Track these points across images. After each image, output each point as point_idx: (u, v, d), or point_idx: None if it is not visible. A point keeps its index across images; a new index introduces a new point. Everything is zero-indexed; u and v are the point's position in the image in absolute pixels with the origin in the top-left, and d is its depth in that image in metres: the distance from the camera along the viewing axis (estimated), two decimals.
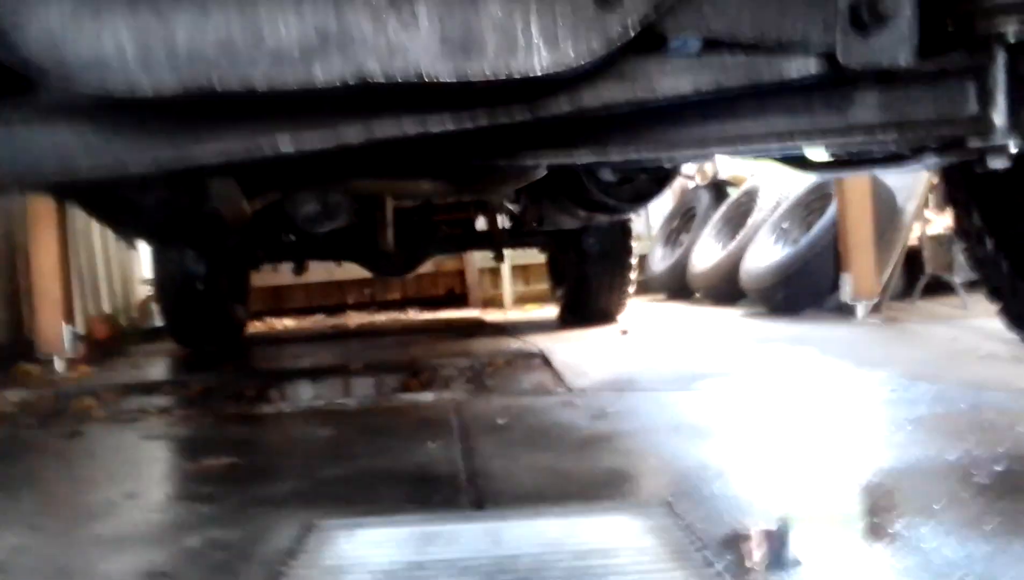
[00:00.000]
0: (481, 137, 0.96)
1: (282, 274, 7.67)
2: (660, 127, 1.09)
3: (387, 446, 2.60)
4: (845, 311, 5.12)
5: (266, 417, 3.27)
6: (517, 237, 5.52)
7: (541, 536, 1.67)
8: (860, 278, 4.90)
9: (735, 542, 1.54)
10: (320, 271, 7.52)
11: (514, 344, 4.94)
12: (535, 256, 6.92)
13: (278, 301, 8.57)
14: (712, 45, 0.99)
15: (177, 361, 5.45)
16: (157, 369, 5.09)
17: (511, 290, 8.43)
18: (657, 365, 3.90)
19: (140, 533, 1.85)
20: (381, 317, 8.10)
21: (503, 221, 5.93)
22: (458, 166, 1.68)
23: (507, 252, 5.80)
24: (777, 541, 1.48)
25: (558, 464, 2.23)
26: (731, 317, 5.89)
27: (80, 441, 2.96)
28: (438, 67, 0.84)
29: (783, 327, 5.03)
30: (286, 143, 0.90)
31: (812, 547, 1.51)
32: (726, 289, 6.38)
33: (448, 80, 0.85)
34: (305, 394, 3.77)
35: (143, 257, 7.41)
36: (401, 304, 8.69)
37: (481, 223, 6.02)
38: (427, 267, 5.55)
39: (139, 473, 2.49)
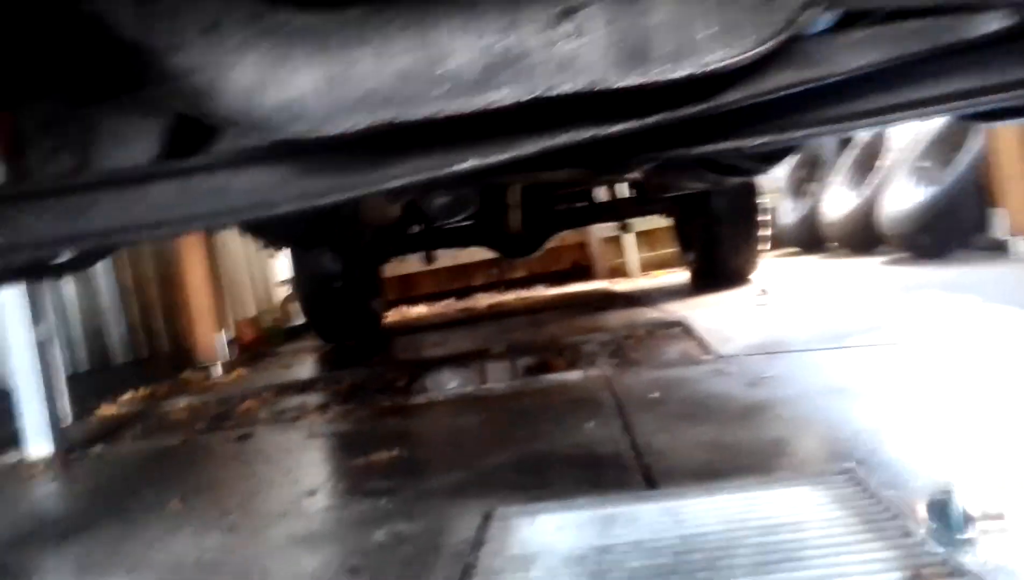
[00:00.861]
0: (650, 133, 0.96)
1: (409, 263, 7.87)
2: (834, 102, 1.05)
3: (544, 429, 2.63)
4: (996, 249, 4.85)
5: (419, 407, 3.36)
6: (642, 205, 5.46)
7: (722, 512, 1.66)
8: (1016, 212, 4.61)
9: (929, 508, 1.49)
10: (446, 256, 7.66)
11: (650, 314, 4.91)
12: (658, 221, 6.83)
13: (408, 289, 8.78)
14: (891, 15, 0.95)
15: (322, 357, 5.67)
16: (305, 367, 5.31)
17: (636, 258, 8.35)
18: (803, 324, 3.80)
19: (328, 530, 1.94)
20: (509, 296, 8.18)
21: (618, 191, 5.89)
22: (618, 160, 1.68)
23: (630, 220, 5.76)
24: (966, 505, 1.43)
25: (722, 436, 2.21)
26: (872, 266, 5.67)
27: (251, 443, 3.13)
28: (611, 76, 0.84)
29: (932, 272, 4.81)
30: (468, 162, 0.93)
31: (1008, 509, 1.45)
32: (862, 237, 6.13)
33: (621, 87, 0.85)
34: (452, 381, 3.85)
35: (279, 261, 7.73)
36: (527, 281, 8.76)
37: (591, 193, 5.99)
38: (550, 242, 5.55)
39: (312, 471, 2.61)
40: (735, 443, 2.14)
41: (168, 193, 1.00)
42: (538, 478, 2.10)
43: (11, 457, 3.48)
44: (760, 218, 5.17)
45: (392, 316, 7.79)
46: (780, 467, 1.92)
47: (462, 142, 0.94)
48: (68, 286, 4.62)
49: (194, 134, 1.13)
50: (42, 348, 3.46)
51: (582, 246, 8.78)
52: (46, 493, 2.90)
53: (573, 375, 3.42)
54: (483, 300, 8.21)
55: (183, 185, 1.00)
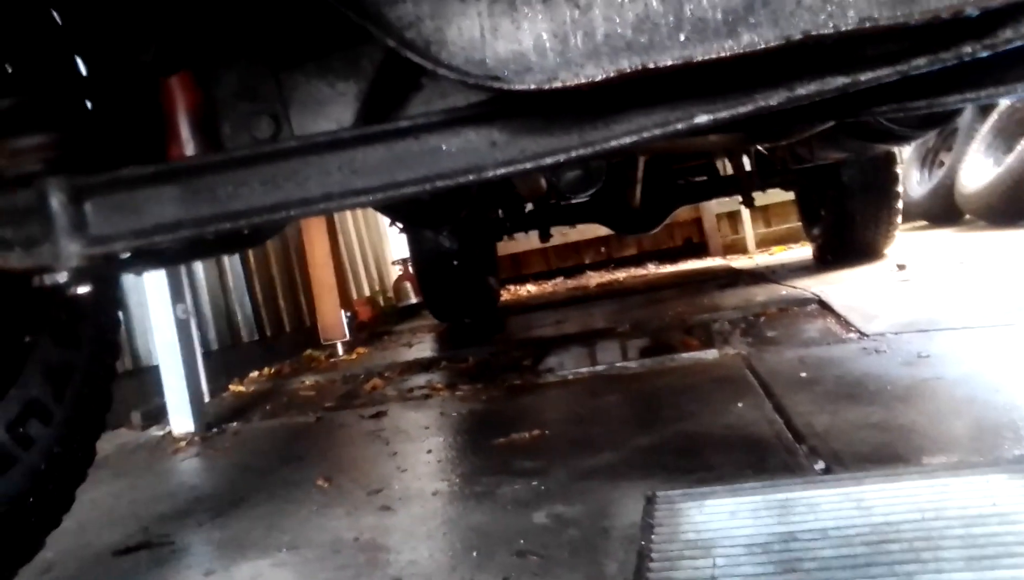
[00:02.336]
0: (881, 85, 0.86)
1: (519, 242, 7.83)
2: None
3: (689, 409, 2.54)
4: None
5: (551, 386, 3.31)
6: (766, 178, 5.25)
7: (912, 500, 1.55)
8: None
9: None
10: (556, 234, 7.59)
11: (779, 290, 4.73)
12: (776, 195, 6.57)
13: (518, 268, 8.76)
14: None
15: (440, 336, 5.69)
16: (425, 346, 5.33)
17: (753, 233, 8.10)
18: (954, 300, 3.57)
19: (483, 511, 1.90)
20: (620, 274, 8.06)
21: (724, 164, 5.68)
22: (801, 121, 1.57)
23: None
24: None
25: (890, 418, 2.07)
26: (1020, 238, 5.32)
27: (386, 420, 3.13)
28: (879, 12, 0.75)
29: None
30: (701, 116, 0.85)
31: None
32: (1004, 209, 5.77)
33: (888, 25, 0.75)
34: (582, 360, 3.78)
35: (392, 240, 7.81)
36: (638, 259, 8.62)
37: (710, 167, 5.80)
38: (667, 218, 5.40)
39: (454, 450, 2.58)
40: (906, 425, 2.01)
41: (373, 158, 0.95)
42: (695, 460, 2.02)
43: (157, 432, 3.59)
44: (898, 189, 4.91)
45: (503, 295, 7.78)
46: (960, 451, 1.78)
47: (694, 94, 0.86)
48: (198, 266, 4.74)
49: (389, 99, 1.09)
50: (182, 327, 3.55)
51: (695, 222, 8.57)
52: (193, 468, 2.97)
53: (708, 354, 3.31)
54: (594, 279, 8.12)
55: (389, 149, 0.95)
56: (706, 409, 2.49)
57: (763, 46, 0.75)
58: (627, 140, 0.88)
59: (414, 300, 7.46)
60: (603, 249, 8.80)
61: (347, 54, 1.07)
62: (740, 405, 2.44)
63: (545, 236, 5.72)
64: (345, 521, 1.98)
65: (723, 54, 0.76)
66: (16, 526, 1.28)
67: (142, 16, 1.07)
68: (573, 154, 0.89)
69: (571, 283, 8.16)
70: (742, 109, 0.85)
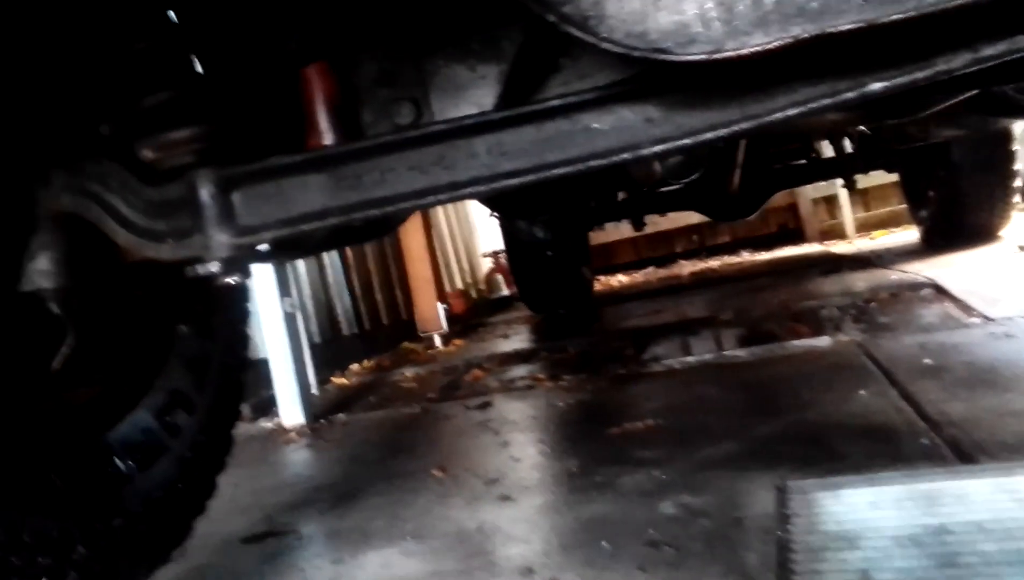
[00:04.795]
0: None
1: (609, 231, 7.76)
2: None
3: (807, 398, 2.46)
4: None
5: (658, 375, 3.26)
6: (870, 160, 5.05)
7: None
8: None
9: None
10: (646, 223, 7.48)
11: (888, 275, 4.56)
12: (876, 178, 6.31)
13: (608, 258, 8.68)
14: None
15: (536, 327, 5.68)
16: (521, 337, 5.32)
17: (852, 218, 7.83)
18: None
19: (607, 502, 1.87)
20: (713, 262, 7.91)
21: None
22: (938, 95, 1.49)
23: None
24: None
25: None
26: None
27: (492, 411, 3.14)
28: None
29: None
30: (874, 84, 0.80)
31: None
32: None
33: None
34: (686, 349, 3.72)
35: (482, 232, 7.83)
36: (731, 247, 8.44)
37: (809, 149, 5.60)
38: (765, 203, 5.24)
39: (566, 440, 2.56)
40: None
41: (522, 140, 0.93)
42: (822, 450, 1.95)
43: (267, 423, 3.68)
44: (1015, 167, 4.66)
45: (596, 285, 7.72)
46: None
47: (860, 63, 0.81)
48: (299, 261, 4.83)
49: (529, 80, 1.07)
50: (289, 320, 3.63)
51: (789, 208, 8.34)
52: (306, 458, 3.03)
53: (820, 342, 3.20)
54: (686, 267, 7.99)
55: (539, 130, 0.93)
56: (826, 397, 2.41)
57: (959, 2, 0.70)
58: (793, 112, 0.83)
59: (506, 292, 7.48)
60: (695, 237, 8.65)
61: (487, 36, 1.06)
62: (863, 393, 2.35)
63: (639, 225, 5.64)
64: (466, 511, 1.98)
65: (911, 14, 0.71)
66: (169, 512, 1.32)
67: (287, 6, 1.07)
68: (735, 129, 0.85)
69: (663, 273, 8.05)
70: (920, 75, 0.80)
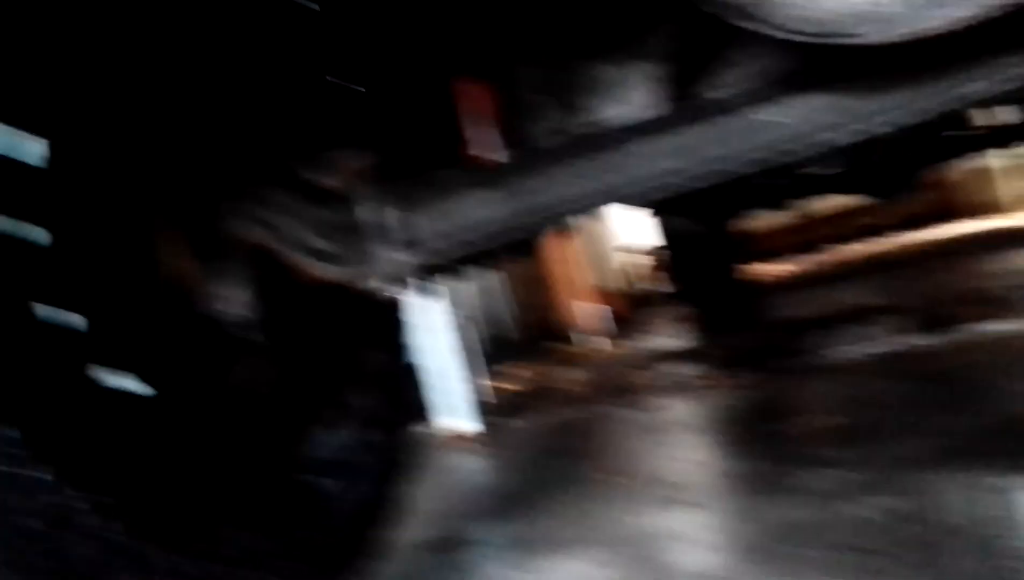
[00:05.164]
0: None
1: (764, 219, 7.47)
2: None
3: (1008, 387, 2.27)
4: None
5: (833, 368, 3.10)
6: None
7: None
8: None
9: None
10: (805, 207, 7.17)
11: None
12: None
13: (765, 246, 8.37)
14: None
15: (696, 323, 5.55)
16: (682, 334, 5.22)
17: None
18: None
19: (802, 504, 1.78)
20: (879, 244, 7.49)
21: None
22: None
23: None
24: None
25: None
26: None
27: (662, 412, 3.07)
28: None
29: None
30: None
31: None
32: None
33: None
34: (862, 338, 3.52)
35: (633, 228, 7.74)
36: (897, 226, 7.95)
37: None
38: (924, 177, 4.88)
39: (746, 440, 2.47)
40: None
41: (695, 138, 0.89)
42: None
43: (438, 430, 3.75)
44: None
45: (755, 276, 7.48)
46: None
47: None
48: None
49: (689, 75, 1.02)
50: (454, 328, 3.69)
51: (947, 182, 7.77)
52: (479, 465, 3.07)
53: (1012, 324, 2.95)
54: (849, 251, 7.60)
55: (709, 127, 0.88)
56: None
57: None
58: (983, 92, 0.76)
59: (661, 288, 7.35)
60: (856, 219, 8.21)
61: (646, 35, 1.02)
62: None
63: (795, 211, 5.41)
64: (649, 517, 1.94)
65: None
66: (366, 524, 1.35)
67: (447, 25, 1.07)
68: (931, 110, 0.78)
69: (823, 258, 7.69)
70: None
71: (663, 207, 4.28)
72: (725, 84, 1.02)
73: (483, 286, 5.16)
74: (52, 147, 1.06)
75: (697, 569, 1.58)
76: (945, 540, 1.45)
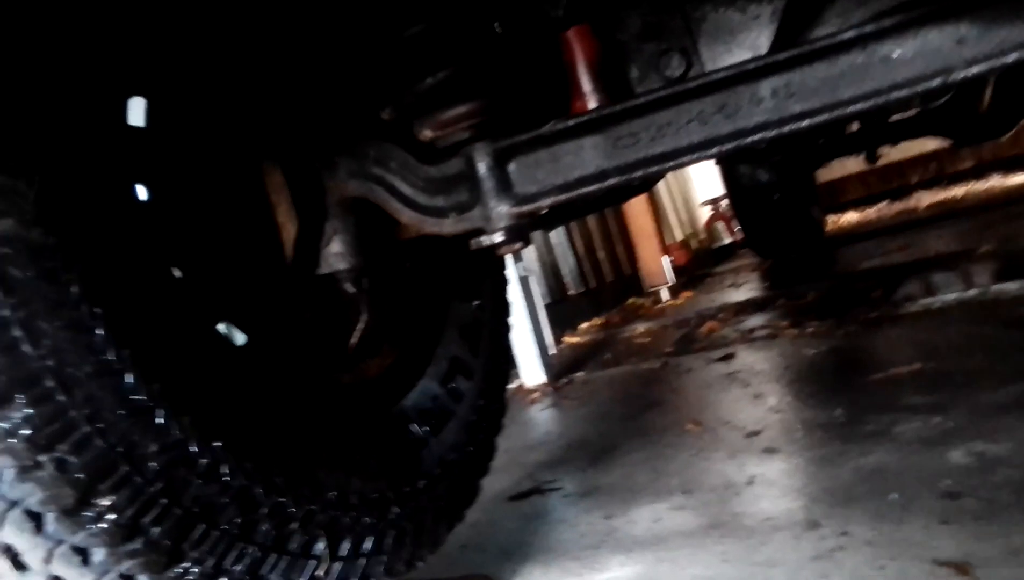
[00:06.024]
0: None
1: (834, 168, 7.30)
2: None
3: None
4: None
5: (914, 316, 3.05)
6: None
7: None
8: None
9: None
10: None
11: None
12: None
13: (835, 196, 8.21)
14: None
15: (766, 273, 5.49)
16: (752, 285, 5.17)
17: None
18: None
19: (890, 450, 1.77)
20: (957, 191, 7.28)
21: None
22: None
23: None
24: None
25: None
26: None
27: (736, 362, 3.06)
28: None
29: None
30: None
31: None
32: None
33: None
34: (942, 286, 3.45)
35: (698, 179, 7.64)
36: (977, 172, 7.70)
37: None
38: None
39: (828, 389, 2.44)
40: None
41: (812, 79, 0.88)
42: None
43: (511, 384, 3.80)
44: None
45: (827, 225, 7.35)
46: None
47: None
48: None
49: (803, 16, 1.01)
50: (524, 284, 3.71)
51: None
52: (554, 417, 3.10)
53: None
54: (925, 199, 7.40)
55: (830, 66, 0.87)
56: None
57: None
58: None
59: (727, 240, 7.27)
60: (932, 165, 7.98)
61: None
62: None
63: (872, 158, 5.27)
64: (731, 464, 1.95)
65: None
66: (461, 473, 1.39)
67: None
68: None
69: (898, 206, 7.51)
70: None
71: (733, 156, 4.23)
72: (841, 20, 1.01)
73: (547, 240, 5.17)
74: (153, 106, 1.10)
75: (791, 516, 1.58)
76: None
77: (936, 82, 0.81)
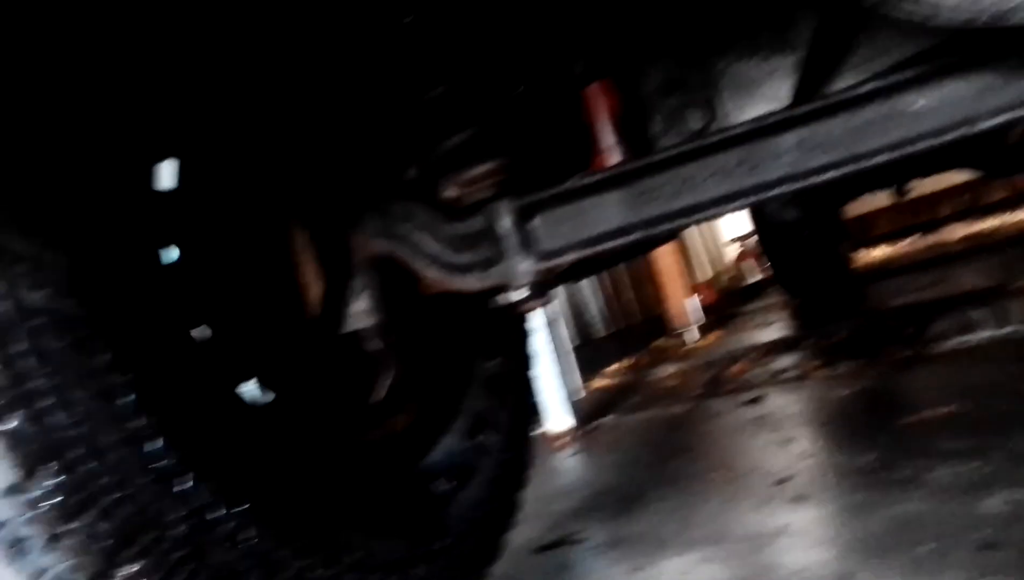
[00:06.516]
0: None
1: (864, 202, 7.25)
2: None
3: None
4: None
5: (947, 356, 3.00)
6: None
7: None
8: None
9: None
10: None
11: None
12: None
13: (866, 230, 8.14)
14: None
15: (796, 312, 5.44)
16: (781, 324, 5.13)
17: None
18: None
19: (923, 498, 1.73)
20: (991, 223, 7.19)
21: None
22: None
23: None
24: None
25: None
26: None
27: (765, 406, 3.02)
28: None
29: None
30: None
31: None
32: None
33: None
34: (976, 324, 3.39)
35: (725, 218, 7.63)
36: (1010, 203, 7.61)
37: None
38: None
39: (859, 434, 2.41)
40: None
41: (834, 131, 0.88)
42: None
43: (538, 429, 3.77)
44: None
45: (856, 261, 7.29)
46: None
47: None
48: None
49: (824, 66, 1.01)
50: (550, 327, 3.70)
51: None
52: (581, 463, 3.08)
53: None
54: (957, 231, 7.33)
55: (851, 118, 0.87)
56: None
57: None
58: None
59: (756, 277, 7.23)
60: (964, 197, 7.90)
61: (777, 27, 1.01)
62: None
63: (901, 192, 5.24)
64: (760, 514, 1.92)
65: None
66: (486, 529, 1.38)
67: (577, 32, 1.08)
68: None
69: (930, 240, 7.44)
70: None
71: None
72: (863, 70, 1.01)
73: (574, 283, 5.16)
74: (183, 167, 1.12)
75: (808, 565, 1.55)
76: None
77: (960, 132, 0.81)
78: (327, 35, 1.15)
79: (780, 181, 0.90)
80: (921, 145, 0.83)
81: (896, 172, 5.10)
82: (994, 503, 1.60)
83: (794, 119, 0.90)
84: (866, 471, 2.01)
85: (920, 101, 0.83)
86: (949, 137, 0.82)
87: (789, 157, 0.90)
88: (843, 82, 1.00)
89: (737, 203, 0.93)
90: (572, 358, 4.01)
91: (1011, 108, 0.79)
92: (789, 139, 0.90)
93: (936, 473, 1.84)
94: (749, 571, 1.63)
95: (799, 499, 1.94)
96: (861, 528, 1.68)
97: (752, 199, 0.92)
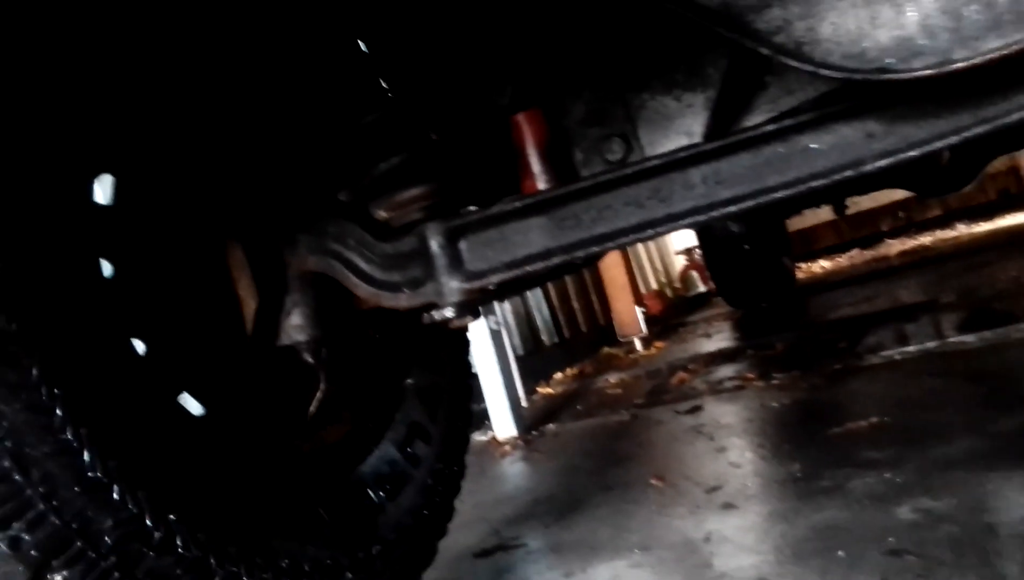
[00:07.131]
0: None
1: (807, 216, 7.44)
2: None
3: None
4: None
5: (877, 368, 3.11)
6: None
7: None
8: None
9: None
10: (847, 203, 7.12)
11: None
12: None
13: (808, 244, 8.35)
14: None
15: (738, 324, 5.56)
16: (723, 334, 5.23)
17: None
18: None
19: (841, 506, 1.81)
20: (925, 239, 7.43)
21: None
22: None
23: None
24: None
25: None
26: None
27: (703, 415, 3.11)
28: None
29: None
30: None
31: None
32: None
33: None
34: (906, 338, 3.52)
35: None
36: (944, 220, 7.88)
37: None
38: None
39: (789, 443, 2.50)
40: None
41: (739, 166, 0.94)
42: None
43: (481, 436, 3.82)
44: None
45: (797, 274, 7.46)
46: None
47: None
48: None
49: (735, 104, 1.07)
50: (495, 337, 3.75)
51: (1010, 172, 7.69)
52: (522, 470, 3.13)
53: None
54: (894, 246, 7.55)
55: (755, 155, 0.93)
56: None
57: None
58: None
59: (702, 289, 7.37)
60: (901, 214, 8.15)
61: (692, 66, 1.07)
62: None
63: (840, 208, 5.39)
64: (690, 520, 1.99)
65: None
66: (418, 536, 1.42)
67: (503, 64, 1.13)
68: (967, 135, 0.82)
69: (868, 254, 7.65)
70: None
71: None
72: (771, 109, 1.07)
73: (519, 294, 5.21)
74: (119, 182, 1.14)
75: (743, 573, 1.61)
76: (981, 539, 1.48)
77: (849, 173, 0.87)
78: (266, 60, 1.19)
79: (689, 213, 0.96)
80: (815, 184, 0.90)
81: (836, 189, 5.25)
82: (903, 511, 1.69)
83: (701, 155, 0.96)
84: (792, 480, 2.09)
85: (813, 143, 0.89)
86: (839, 177, 0.88)
87: (697, 190, 0.96)
88: (754, 119, 1.07)
89: (650, 232, 0.98)
90: (516, 367, 4.05)
91: (895, 153, 0.86)
92: (697, 173, 0.96)
93: (855, 482, 1.93)
94: (675, 576, 1.70)
95: (728, 507, 2.02)
96: (781, 535, 1.75)
97: (663, 229, 0.98)
